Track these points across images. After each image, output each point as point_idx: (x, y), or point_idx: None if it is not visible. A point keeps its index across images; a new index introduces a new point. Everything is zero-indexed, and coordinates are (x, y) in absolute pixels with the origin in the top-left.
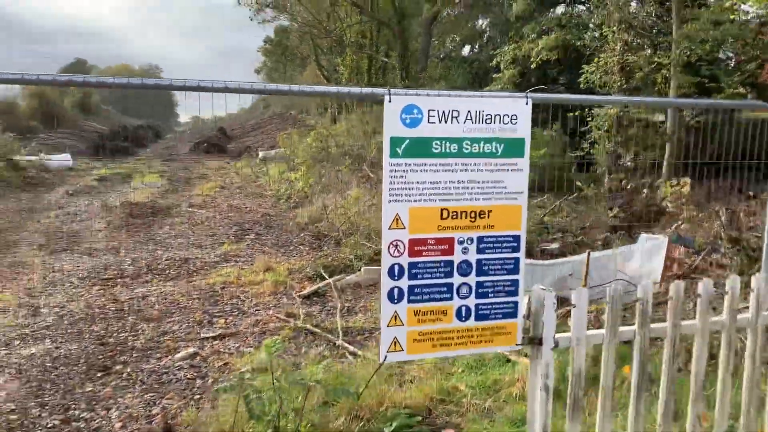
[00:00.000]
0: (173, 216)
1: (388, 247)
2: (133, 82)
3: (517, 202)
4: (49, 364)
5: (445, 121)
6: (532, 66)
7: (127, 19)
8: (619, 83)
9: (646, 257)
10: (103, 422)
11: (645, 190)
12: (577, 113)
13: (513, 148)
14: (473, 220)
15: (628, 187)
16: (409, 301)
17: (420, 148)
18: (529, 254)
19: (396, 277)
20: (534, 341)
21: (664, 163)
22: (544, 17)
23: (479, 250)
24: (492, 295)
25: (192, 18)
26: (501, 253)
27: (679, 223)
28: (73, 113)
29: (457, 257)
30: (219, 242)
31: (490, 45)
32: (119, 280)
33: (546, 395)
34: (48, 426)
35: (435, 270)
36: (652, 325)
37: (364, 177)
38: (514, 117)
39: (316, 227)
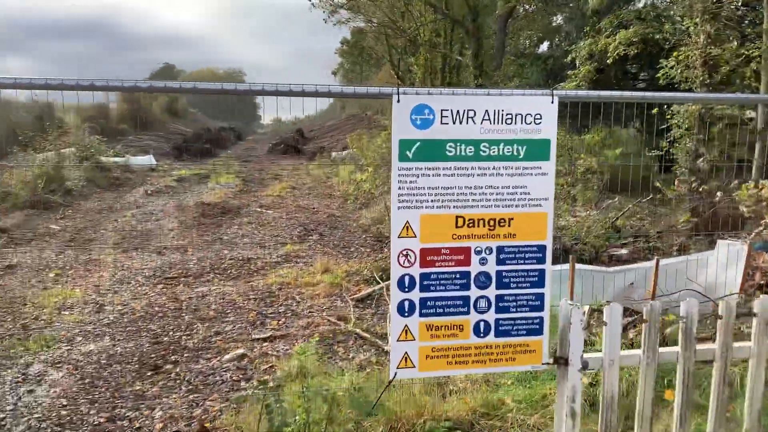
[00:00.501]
0: (242, 216)
1: (398, 257)
2: (185, 85)
3: (542, 209)
4: (104, 361)
5: (460, 122)
6: (609, 62)
7: (213, 26)
8: (701, 78)
9: (723, 265)
10: (146, 422)
11: (718, 193)
12: (654, 110)
13: (537, 150)
14: (492, 228)
15: (700, 189)
16: (421, 314)
17: (432, 150)
18: (597, 260)
19: (406, 289)
20: (560, 361)
21: (754, 163)
22: (623, 10)
23: (499, 261)
24: (514, 309)
25: (272, 22)
26: (524, 264)
27: (761, 228)
28: (161, 116)
29: (474, 268)
30: (282, 242)
31: (566, 41)
32: (182, 279)
33: (572, 422)
34: (94, 423)
35: (449, 282)
36: (700, 346)
37: None
38: (538, 116)
39: (378, 229)
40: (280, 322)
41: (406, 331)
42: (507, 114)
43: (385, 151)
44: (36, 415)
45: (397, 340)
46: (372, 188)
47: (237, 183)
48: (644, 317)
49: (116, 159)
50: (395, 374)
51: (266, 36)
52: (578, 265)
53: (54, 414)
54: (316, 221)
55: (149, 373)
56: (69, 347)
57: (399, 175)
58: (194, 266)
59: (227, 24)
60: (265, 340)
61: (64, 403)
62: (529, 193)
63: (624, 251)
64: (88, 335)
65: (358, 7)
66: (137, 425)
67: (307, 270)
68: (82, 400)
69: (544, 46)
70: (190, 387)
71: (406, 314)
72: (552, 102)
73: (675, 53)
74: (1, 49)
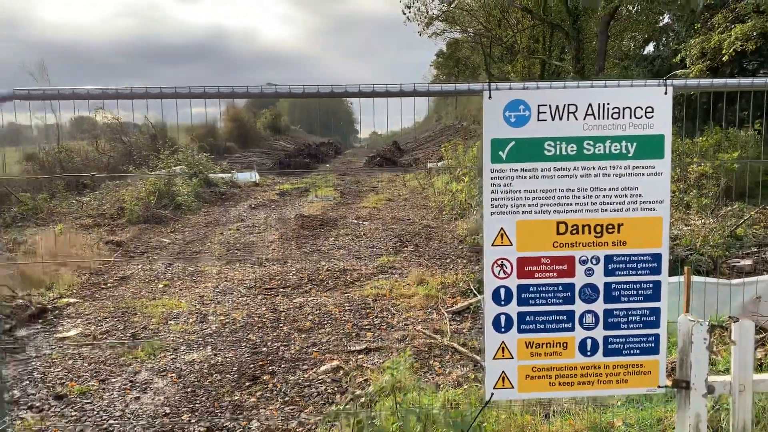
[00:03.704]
0: (339, 228)
1: (492, 267)
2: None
3: (657, 214)
4: (205, 371)
5: (560, 118)
6: (724, 59)
7: (311, 44)
8: None
9: None
10: None
11: None
12: None
13: (649, 147)
14: (599, 235)
15: None
16: (520, 330)
17: (529, 150)
18: (716, 271)
19: (502, 302)
20: (680, 385)
21: None
22: (738, 3)
23: (607, 272)
24: (625, 326)
25: (368, 38)
26: (636, 275)
27: None
28: (264, 133)
29: (579, 280)
30: (378, 254)
31: (675, 40)
32: (281, 290)
33: None
34: None
35: (551, 295)
36: None
37: None
38: (649, 109)
39: (474, 239)
40: (375, 334)
41: (503, 348)
42: (613, 108)
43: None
44: (141, 422)
45: (493, 358)
46: (468, 198)
47: (335, 196)
48: None
49: (223, 175)
50: (492, 395)
51: (362, 52)
52: (694, 278)
53: (157, 422)
54: (411, 232)
55: (247, 384)
56: (173, 356)
57: (492, 177)
58: (293, 277)
59: (325, 41)
60: (360, 352)
61: (167, 411)
62: (640, 195)
63: (747, 262)
64: (192, 344)
65: (454, 19)
66: None
67: (403, 281)
68: (184, 409)
69: (650, 47)
70: (287, 398)
71: (503, 330)
72: (665, 93)
73: None
74: (119, 76)
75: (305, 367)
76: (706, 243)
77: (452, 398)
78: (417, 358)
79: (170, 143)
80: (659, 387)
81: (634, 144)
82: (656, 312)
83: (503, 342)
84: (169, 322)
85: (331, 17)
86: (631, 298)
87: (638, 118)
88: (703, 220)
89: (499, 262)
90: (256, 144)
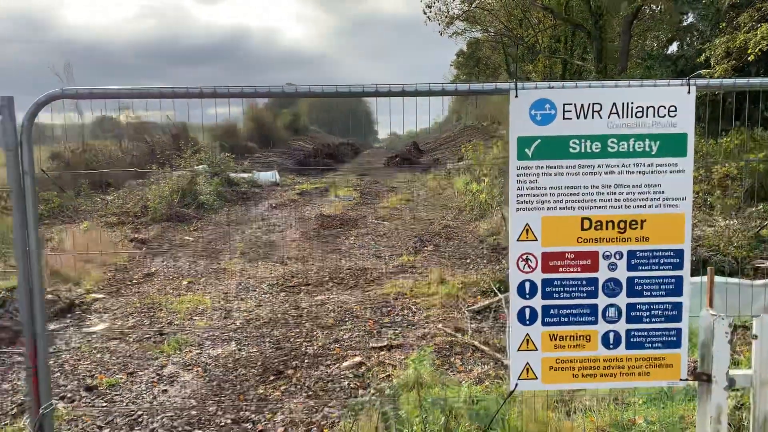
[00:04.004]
0: (359, 227)
1: (518, 261)
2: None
3: (679, 210)
4: (230, 365)
5: (585, 117)
6: (750, 59)
7: (330, 45)
8: None
9: None
10: (268, 425)
11: None
12: None
13: (672, 145)
14: (622, 231)
15: None
16: (544, 323)
17: (554, 148)
18: (740, 272)
19: (527, 296)
20: (701, 378)
21: None
22: (764, 3)
23: (630, 267)
24: (647, 320)
25: (387, 39)
26: (658, 270)
27: None
28: (284, 134)
29: (602, 274)
30: (398, 253)
31: (699, 39)
32: (303, 287)
33: None
34: (220, 424)
35: (575, 289)
36: None
37: None
38: (672, 108)
39: (495, 239)
40: (396, 331)
41: (528, 340)
42: (637, 107)
43: (501, 162)
44: (168, 414)
45: (518, 350)
46: (488, 198)
47: (354, 195)
48: None
49: (244, 175)
50: (516, 385)
51: (381, 52)
52: (718, 278)
53: (185, 413)
54: (431, 232)
55: (272, 378)
56: (199, 351)
57: (518, 174)
58: (314, 275)
59: (344, 42)
60: (381, 349)
61: (194, 403)
62: (663, 192)
63: None
64: (216, 340)
65: (474, 18)
66: (260, 428)
67: (423, 281)
68: (210, 402)
69: (674, 47)
70: (310, 393)
71: (527, 323)
72: (689, 92)
73: None
74: (141, 76)
75: (328, 362)
76: (730, 244)
77: (474, 394)
78: (438, 355)
79: (193, 143)
80: (682, 380)
81: (658, 142)
82: (678, 306)
83: (528, 334)
84: (194, 318)
85: (349, 17)
86: (654, 293)
87: (661, 116)
88: (727, 221)
89: (525, 257)
90: (276, 144)
